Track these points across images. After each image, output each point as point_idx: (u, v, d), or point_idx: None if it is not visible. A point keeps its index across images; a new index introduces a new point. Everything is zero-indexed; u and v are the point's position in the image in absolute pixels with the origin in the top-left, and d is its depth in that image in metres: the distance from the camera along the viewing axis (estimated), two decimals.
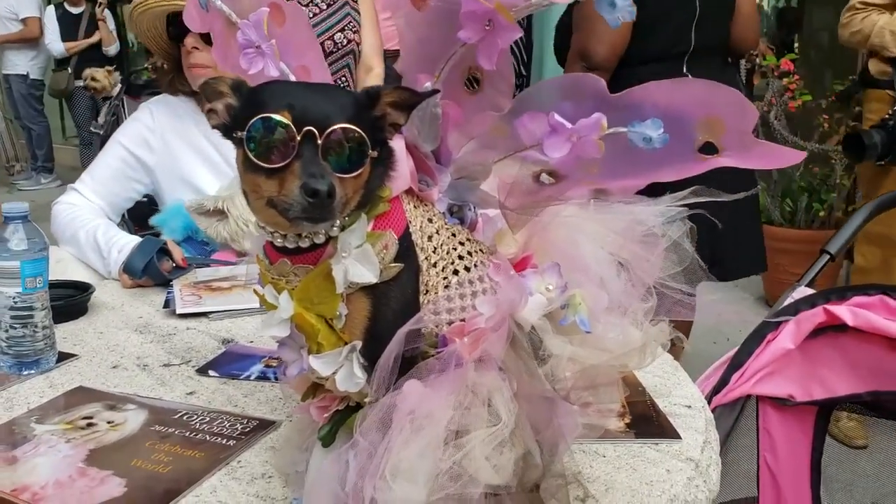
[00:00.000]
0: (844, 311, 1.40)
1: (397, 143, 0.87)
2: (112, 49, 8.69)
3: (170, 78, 2.21)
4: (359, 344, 0.82)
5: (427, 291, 0.85)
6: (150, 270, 1.82)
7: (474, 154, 0.88)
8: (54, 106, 9.71)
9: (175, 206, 2.15)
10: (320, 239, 0.82)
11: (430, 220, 0.87)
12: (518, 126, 0.83)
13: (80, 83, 8.57)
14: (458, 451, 0.77)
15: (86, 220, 2.04)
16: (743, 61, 4.75)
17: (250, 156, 0.78)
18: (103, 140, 6.24)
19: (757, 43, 3.39)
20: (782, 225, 4.71)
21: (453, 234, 0.89)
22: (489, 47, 0.79)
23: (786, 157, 0.79)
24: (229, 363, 1.41)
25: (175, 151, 2.20)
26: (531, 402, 0.83)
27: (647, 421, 1.20)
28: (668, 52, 2.63)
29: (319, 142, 0.76)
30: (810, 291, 1.50)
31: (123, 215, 2.31)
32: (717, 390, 1.47)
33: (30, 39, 8.75)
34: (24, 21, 8.69)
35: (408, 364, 0.82)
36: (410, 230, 0.85)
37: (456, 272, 0.87)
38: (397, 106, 0.81)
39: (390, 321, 0.82)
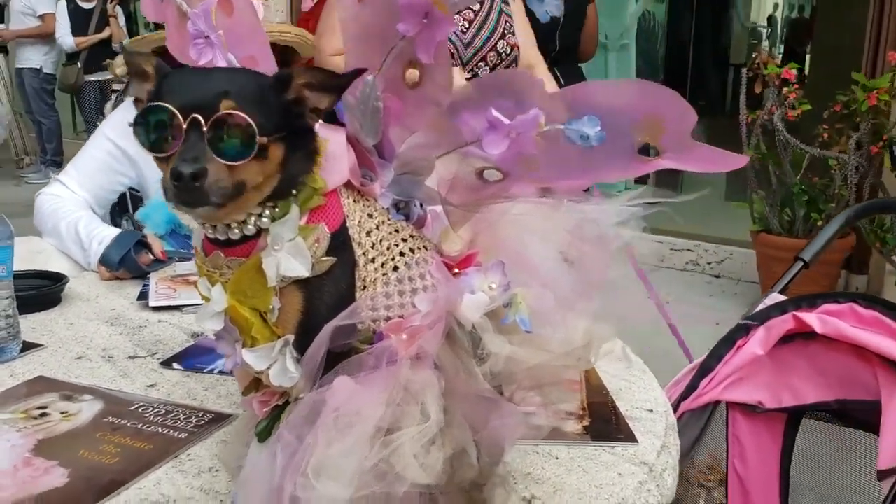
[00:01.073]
0: (813, 319, 1.38)
1: (338, 136, 0.86)
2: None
3: None
4: (291, 338, 0.81)
5: (365, 287, 0.84)
6: (127, 263, 1.82)
7: (417, 149, 0.87)
8: (66, 101, 9.74)
9: (158, 200, 2.15)
10: (250, 230, 0.81)
11: (370, 216, 0.86)
12: (459, 122, 0.82)
13: (89, 78, 8.60)
14: (385, 448, 0.76)
15: (68, 212, 2.04)
16: (745, 70, 4.72)
17: (141, 144, 0.79)
18: None
19: (594, 51, 4.08)
20: (780, 234, 4.68)
21: (396, 231, 0.88)
22: (427, 40, 0.78)
23: (727, 161, 0.77)
24: (194, 356, 1.41)
25: None
26: (468, 401, 0.83)
27: (605, 424, 1.19)
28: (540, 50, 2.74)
29: (205, 129, 0.75)
30: (782, 298, 1.49)
31: (127, 210, 2.31)
32: (685, 395, 1.46)
33: (46, 35, 8.79)
34: (41, 17, 8.73)
35: (340, 360, 0.81)
36: (348, 224, 0.84)
37: (396, 268, 0.86)
38: (315, 88, 0.80)
39: (324, 316, 0.82)
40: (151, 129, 0.79)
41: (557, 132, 0.77)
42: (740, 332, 1.45)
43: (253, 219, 0.81)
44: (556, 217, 0.92)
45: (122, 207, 2.35)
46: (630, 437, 1.15)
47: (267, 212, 0.81)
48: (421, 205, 0.93)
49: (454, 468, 0.80)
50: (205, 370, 1.35)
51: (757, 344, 1.43)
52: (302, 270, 0.80)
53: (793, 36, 9.53)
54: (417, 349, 0.82)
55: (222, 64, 0.91)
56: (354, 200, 0.86)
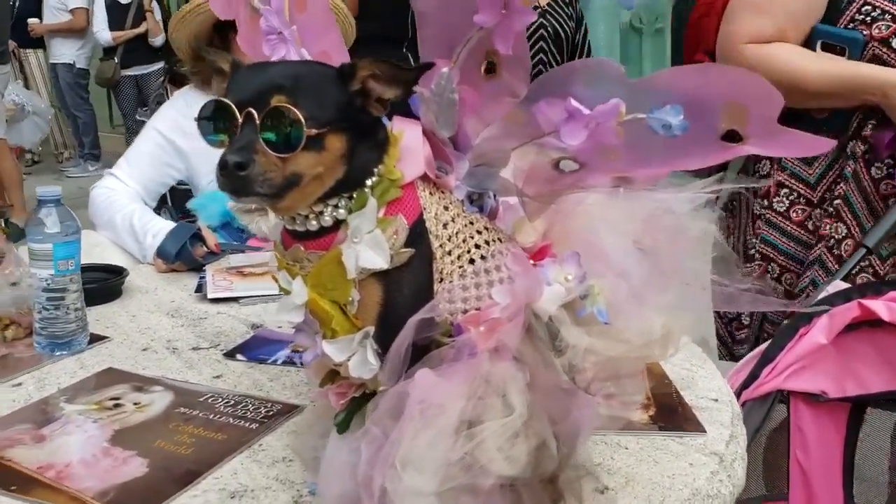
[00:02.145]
0: (880, 306, 1.36)
1: (414, 129, 0.86)
2: (158, 40, 8.80)
3: (208, 76, 2.20)
4: (372, 330, 0.82)
5: (441, 279, 0.85)
6: (183, 255, 1.84)
7: (493, 141, 0.87)
8: (102, 95, 9.85)
9: (213, 191, 2.17)
10: (327, 222, 0.82)
11: (445, 208, 0.86)
12: (536, 112, 0.82)
13: (126, 72, 8.70)
14: (469, 441, 0.76)
15: (122, 205, 2.07)
16: None
17: (205, 138, 0.81)
18: None
19: None
20: None
21: (471, 223, 0.88)
22: (505, 31, 0.78)
23: (814, 145, 0.76)
24: (257, 347, 1.43)
25: None
26: (548, 393, 0.83)
27: (671, 413, 1.19)
28: (389, 35, 2.74)
29: (257, 121, 0.77)
30: (845, 285, 1.46)
31: (167, 202, 2.34)
32: (746, 384, 1.45)
33: (77, 30, 8.90)
34: (72, 11, 8.83)
35: (421, 352, 0.82)
36: (425, 217, 0.84)
37: (472, 261, 0.86)
38: (380, 79, 0.80)
39: (403, 308, 0.82)
40: (212, 124, 0.81)
41: (639, 121, 0.77)
42: (803, 320, 1.43)
43: (329, 210, 0.81)
44: (629, 206, 0.91)
45: (161, 199, 2.38)
46: (698, 427, 1.15)
47: (343, 202, 0.81)
48: (494, 196, 0.94)
49: (537, 460, 0.80)
50: (268, 361, 1.37)
51: (820, 332, 1.41)
52: (381, 262, 0.80)
53: None
54: (497, 342, 0.82)
55: (295, 59, 0.92)
56: (430, 193, 0.86)
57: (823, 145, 0.77)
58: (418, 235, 0.83)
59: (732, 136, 0.78)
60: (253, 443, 1.09)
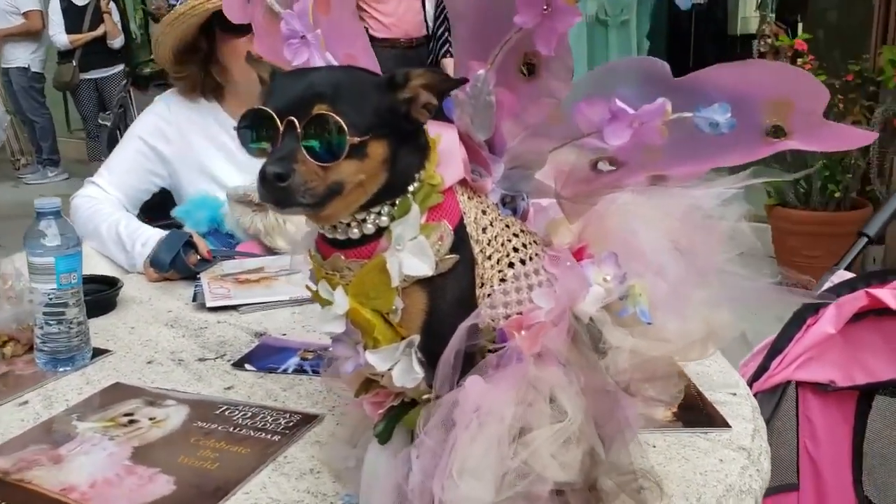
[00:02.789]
0: (888, 295, 1.38)
1: (450, 133, 0.85)
2: (117, 42, 8.65)
3: (194, 81, 2.16)
4: (417, 338, 0.80)
5: (482, 284, 0.84)
6: (177, 264, 1.81)
7: (529, 143, 0.86)
8: (58, 99, 9.66)
9: (200, 198, 2.14)
10: (369, 230, 0.80)
11: (483, 212, 0.85)
12: (575, 113, 0.81)
13: (85, 76, 8.54)
14: (524, 448, 0.75)
15: (107, 214, 2.03)
16: (756, 42, 4.71)
17: (245, 147, 0.79)
18: (111, 132, 6.21)
19: None
20: (797, 206, 4.68)
21: (507, 226, 0.87)
22: (547, 32, 0.77)
23: (856, 137, 0.76)
24: (265, 357, 1.40)
25: (193, 143, 2.17)
26: (593, 396, 0.82)
27: (694, 410, 1.19)
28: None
29: (299, 130, 0.75)
30: (849, 275, 1.48)
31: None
32: (756, 376, 1.46)
33: (31, 33, 8.71)
34: (25, 14, 8.64)
35: (467, 360, 0.80)
36: (465, 222, 0.83)
37: (511, 265, 0.85)
38: (430, 88, 0.79)
39: (447, 315, 0.81)
40: (252, 133, 0.79)
41: (685, 120, 0.76)
42: (809, 310, 1.45)
43: (372, 217, 0.80)
44: (663, 204, 0.91)
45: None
46: (723, 423, 1.15)
47: (385, 209, 0.80)
48: (525, 198, 0.93)
49: (587, 465, 0.79)
50: (278, 370, 1.34)
51: (828, 322, 1.42)
52: (425, 269, 0.79)
53: (784, 5, 9.48)
54: (542, 346, 0.81)
55: (319, 63, 0.90)
56: (469, 197, 0.85)
57: (865, 138, 0.77)
58: (460, 241, 0.81)
59: (775, 131, 0.78)
60: (277, 455, 1.06)
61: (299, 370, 1.34)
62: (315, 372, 1.32)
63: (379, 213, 0.80)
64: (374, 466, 0.87)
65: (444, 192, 0.82)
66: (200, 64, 2.14)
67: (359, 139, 0.75)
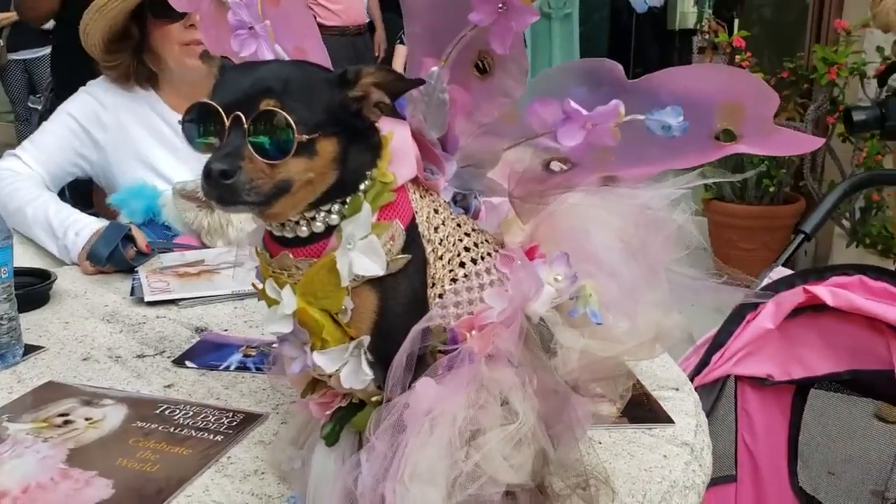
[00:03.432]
0: (824, 292, 1.41)
1: (403, 130, 0.83)
2: (49, 22, 8.37)
3: (126, 69, 2.09)
4: (366, 339, 0.79)
5: (433, 285, 0.82)
6: (115, 258, 1.75)
7: (482, 141, 0.85)
8: None
9: (136, 187, 2.07)
10: (318, 228, 0.79)
11: (436, 211, 0.84)
12: (529, 113, 0.80)
13: (14, 56, 8.24)
14: (476, 451, 0.74)
15: (32, 195, 1.94)
16: (695, 38, 4.79)
17: (190, 143, 0.77)
18: (42, 116, 6.01)
19: None
20: (732, 201, 4.78)
21: (458, 225, 0.86)
22: (502, 31, 0.76)
23: (805, 143, 0.78)
24: (206, 353, 1.37)
25: (130, 131, 2.11)
26: (543, 396, 0.82)
27: (638, 405, 1.19)
28: None
29: (245, 126, 0.73)
30: (788, 272, 1.51)
31: (64, 193, 2.22)
32: (697, 371, 1.48)
33: None
34: None
35: (418, 362, 0.79)
36: (417, 221, 0.82)
37: (462, 264, 0.84)
38: (382, 87, 0.78)
39: (398, 315, 0.80)
40: (198, 127, 0.77)
41: (638, 122, 0.76)
42: (749, 306, 1.47)
43: (321, 215, 0.78)
44: (613, 204, 0.91)
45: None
46: (666, 418, 1.16)
47: (336, 208, 0.78)
48: (477, 196, 0.92)
49: (537, 466, 0.79)
50: (220, 367, 1.31)
51: (767, 318, 1.45)
52: (376, 269, 0.77)
53: (722, 2, 9.67)
54: (493, 348, 0.80)
55: (268, 56, 0.88)
56: (421, 196, 0.83)
57: (813, 143, 0.78)
58: (412, 240, 0.80)
59: (726, 135, 0.78)
60: (220, 456, 1.04)
61: (242, 367, 1.31)
62: (258, 369, 1.30)
63: (329, 212, 0.78)
64: (321, 468, 0.85)
65: (396, 191, 0.80)
66: (132, 52, 2.07)
67: (307, 136, 0.73)
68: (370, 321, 0.79)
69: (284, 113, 0.72)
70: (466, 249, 0.85)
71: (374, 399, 0.82)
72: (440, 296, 0.82)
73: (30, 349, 1.36)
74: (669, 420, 1.16)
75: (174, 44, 2.02)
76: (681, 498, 1.01)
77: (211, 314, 1.56)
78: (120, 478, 0.98)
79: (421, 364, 0.79)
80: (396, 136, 0.82)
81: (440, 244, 0.83)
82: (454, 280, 0.83)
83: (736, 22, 7.08)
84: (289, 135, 0.73)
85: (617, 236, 0.89)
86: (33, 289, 1.57)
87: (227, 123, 0.73)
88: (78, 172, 2.14)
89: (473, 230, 0.87)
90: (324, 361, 0.80)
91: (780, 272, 1.51)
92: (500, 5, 0.75)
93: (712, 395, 1.49)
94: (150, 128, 2.13)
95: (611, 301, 0.86)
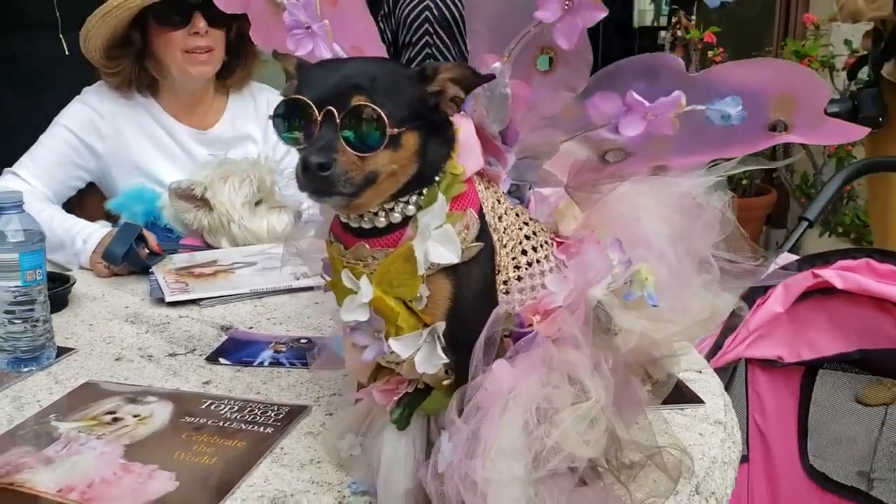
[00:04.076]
0: (833, 275, 1.47)
1: (468, 123, 0.87)
2: None
3: (128, 76, 2.08)
4: (442, 325, 0.82)
5: (499, 272, 0.86)
6: (130, 257, 1.76)
7: (540, 133, 0.88)
8: None
9: (135, 191, 2.07)
10: (396, 218, 0.82)
11: (499, 201, 0.88)
12: (589, 106, 0.84)
13: None
14: (553, 428, 0.78)
15: (36, 209, 1.94)
16: (666, 34, 4.88)
17: (279, 136, 0.80)
18: None
19: None
20: None
21: (517, 215, 0.90)
22: (569, 27, 0.79)
23: (851, 132, 0.82)
24: (237, 350, 1.38)
25: (128, 138, 2.11)
26: (609, 377, 0.85)
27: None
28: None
29: (338, 120, 0.76)
30: (794, 257, 1.57)
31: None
32: (711, 354, 1.53)
33: None
34: None
35: (492, 345, 0.83)
36: (484, 211, 0.85)
37: (524, 252, 0.88)
38: (457, 82, 0.81)
39: (471, 302, 0.83)
40: (285, 122, 0.80)
41: (698, 113, 0.81)
42: (759, 291, 1.53)
43: (399, 206, 0.81)
44: (658, 192, 0.95)
45: None
46: (696, 399, 1.21)
47: (413, 199, 0.81)
48: (530, 187, 0.95)
49: (609, 442, 0.83)
50: (254, 363, 1.33)
51: (776, 302, 1.51)
52: (451, 257, 0.80)
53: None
54: (559, 330, 0.84)
55: (326, 55, 0.90)
56: (486, 187, 0.87)
57: (860, 132, 0.83)
58: (482, 229, 0.83)
59: (777, 126, 0.83)
60: (273, 447, 1.06)
61: (275, 363, 1.33)
62: (292, 364, 1.32)
63: (406, 203, 0.81)
64: (392, 452, 0.88)
65: (465, 182, 0.84)
66: (134, 59, 2.07)
67: (397, 130, 0.76)
68: (445, 307, 0.82)
69: (376, 107, 0.75)
70: (527, 238, 0.88)
71: (445, 383, 0.86)
72: (505, 282, 0.86)
73: (61, 351, 1.36)
74: (700, 400, 1.20)
75: (177, 50, 2.02)
76: (721, 472, 1.06)
77: (233, 313, 1.58)
78: (181, 470, 0.99)
79: (496, 348, 0.82)
80: (462, 130, 0.85)
81: (504, 232, 0.86)
82: (517, 267, 0.87)
83: (693, 18, 7.20)
84: (381, 129, 0.76)
85: (663, 222, 0.93)
86: (55, 291, 1.56)
87: (319, 118, 0.76)
88: (80, 185, 2.12)
89: (531, 219, 0.91)
90: (399, 347, 0.83)
91: (787, 258, 1.57)
92: (567, 2, 0.78)
93: (725, 377, 1.54)
94: (148, 135, 2.13)
95: (662, 284, 0.90)
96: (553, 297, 0.86)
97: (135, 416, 1.13)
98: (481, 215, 0.84)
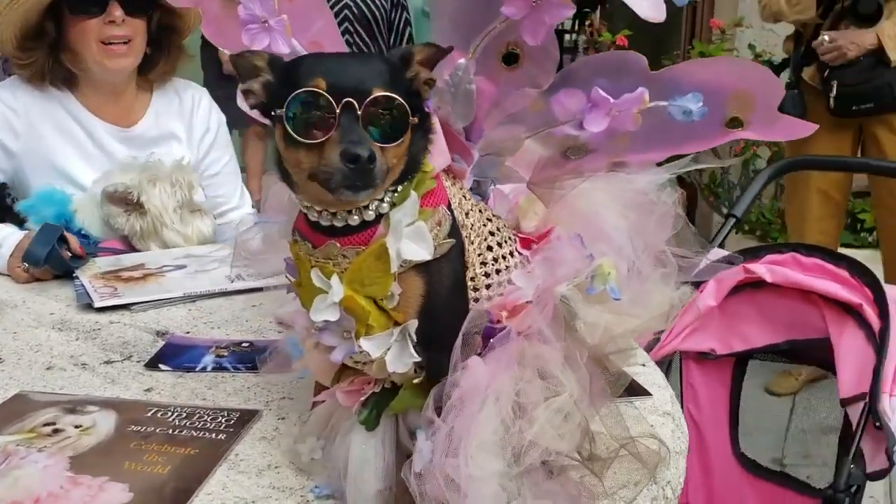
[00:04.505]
0: (762, 269, 1.53)
1: (433, 119, 0.86)
2: None
3: (41, 68, 1.99)
4: (414, 324, 0.81)
5: (466, 268, 0.86)
6: (53, 259, 1.67)
7: (505, 130, 0.89)
8: None
9: (46, 193, 1.98)
10: (370, 216, 0.81)
11: (465, 197, 0.88)
12: (553, 102, 0.85)
13: None
14: (529, 424, 0.78)
15: None
16: (577, 37, 4.98)
17: (291, 133, 0.77)
18: None
19: None
20: None
21: (481, 211, 0.90)
22: (535, 24, 0.80)
23: (801, 128, 0.86)
24: (177, 356, 1.34)
25: (44, 136, 2.01)
26: (577, 370, 0.86)
27: None
28: None
29: (359, 112, 0.75)
30: (724, 252, 1.62)
31: None
32: (649, 348, 1.57)
33: None
34: None
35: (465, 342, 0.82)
36: (452, 207, 0.85)
37: (490, 248, 0.88)
38: (426, 64, 0.81)
39: (443, 298, 0.83)
40: (302, 116, 0.77)
41: (660, 109, 0.82)
42: (693, 286, 1.57)
43: (374, 204, 0.80)
44: (614, 188, 0.97)
45: None
46: (643, 391, 1.23)
47: (388, 196, 0.80)
48: (492, 184, 0.96)
49: (582, 435, 0.84)
50: (196, 369, 1.29)
51: (709, 296, 1.56)
52: (424, 254, 0.80)
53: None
54: (530, 326, 0.84)
55: (284, 50, 0.89)
56: (452, 183, 0.87)
57: (808, 128, 0.86)
58: (452, 226, 0.83)
59: (733, 122, 0.86)
60: (228, 454, 1.03)
61: (219, 368, 1.29)
62: (236, 368, 1.29)
63: (381, 200, 0.80)
64: (360, 453, 0.87)
65: (434, 178, 0.83)
66: (48, 50, 1.98)
67: (417, 120, 0.76)
68: (417, 305, 0.82)
69: (398, 97, 0.75)
70: (491, 234, 0.89)
71: (414, 381, 0.85)
72: (472, 278, 0.86)
73: None
74: (647, 393, 1.23)
75: (92, 41, 1.93)
76: (674, 462, 1.08)
77: (167, 317, 1.52)
78: (133, 481, 0.96)
79: (470, 345, 0.82)
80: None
81: (472, 229, 0.86)
82: (484, 263, 0.87)
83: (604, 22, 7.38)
84: (405, 118, 0.76)
85: (621, 218, 0.95)
86: None
87: (338, 111, 0.74)
88: None
89: (493, 216, 0.91)
90: (370, 347, 0.82)
91: (718, 253, 1.62)
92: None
93: (661, 370, 1.58)
94: (63, 131, 2.04)
95: (622, 278, 0.92)
96: (520, 292, 0.86)
97: (76, 427, 1.08)
98: (451, 211, 0.84)
